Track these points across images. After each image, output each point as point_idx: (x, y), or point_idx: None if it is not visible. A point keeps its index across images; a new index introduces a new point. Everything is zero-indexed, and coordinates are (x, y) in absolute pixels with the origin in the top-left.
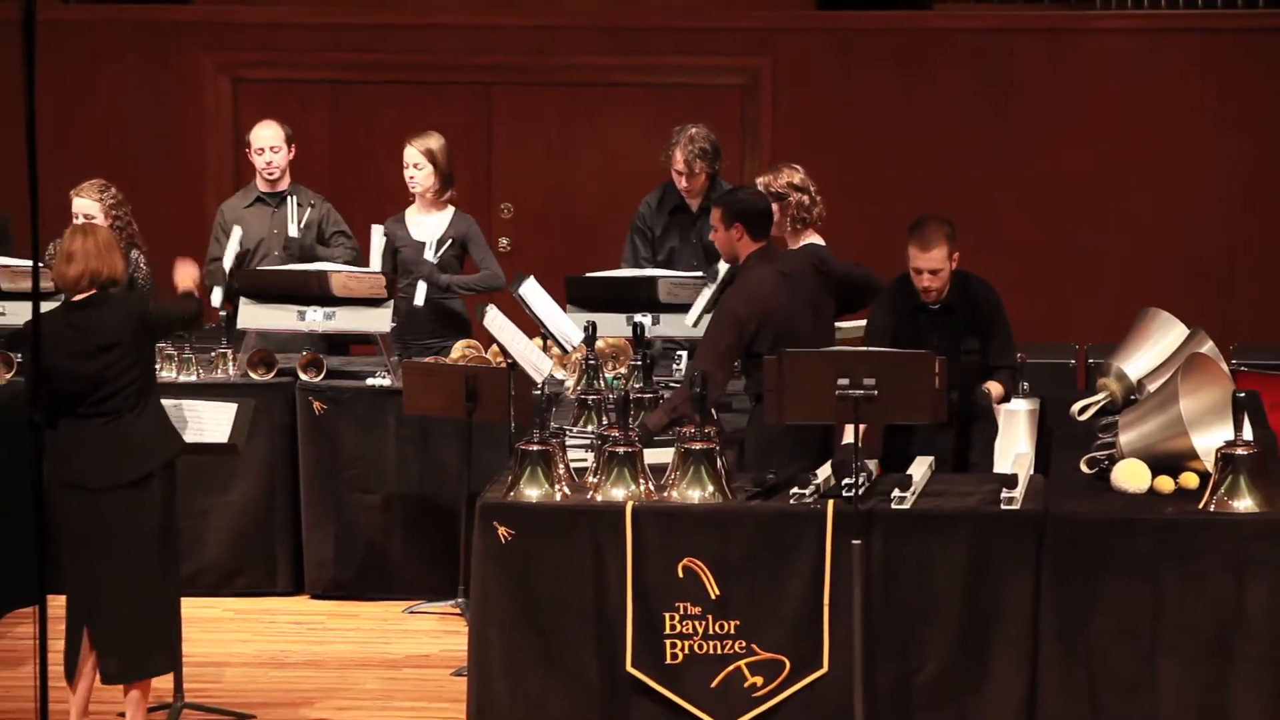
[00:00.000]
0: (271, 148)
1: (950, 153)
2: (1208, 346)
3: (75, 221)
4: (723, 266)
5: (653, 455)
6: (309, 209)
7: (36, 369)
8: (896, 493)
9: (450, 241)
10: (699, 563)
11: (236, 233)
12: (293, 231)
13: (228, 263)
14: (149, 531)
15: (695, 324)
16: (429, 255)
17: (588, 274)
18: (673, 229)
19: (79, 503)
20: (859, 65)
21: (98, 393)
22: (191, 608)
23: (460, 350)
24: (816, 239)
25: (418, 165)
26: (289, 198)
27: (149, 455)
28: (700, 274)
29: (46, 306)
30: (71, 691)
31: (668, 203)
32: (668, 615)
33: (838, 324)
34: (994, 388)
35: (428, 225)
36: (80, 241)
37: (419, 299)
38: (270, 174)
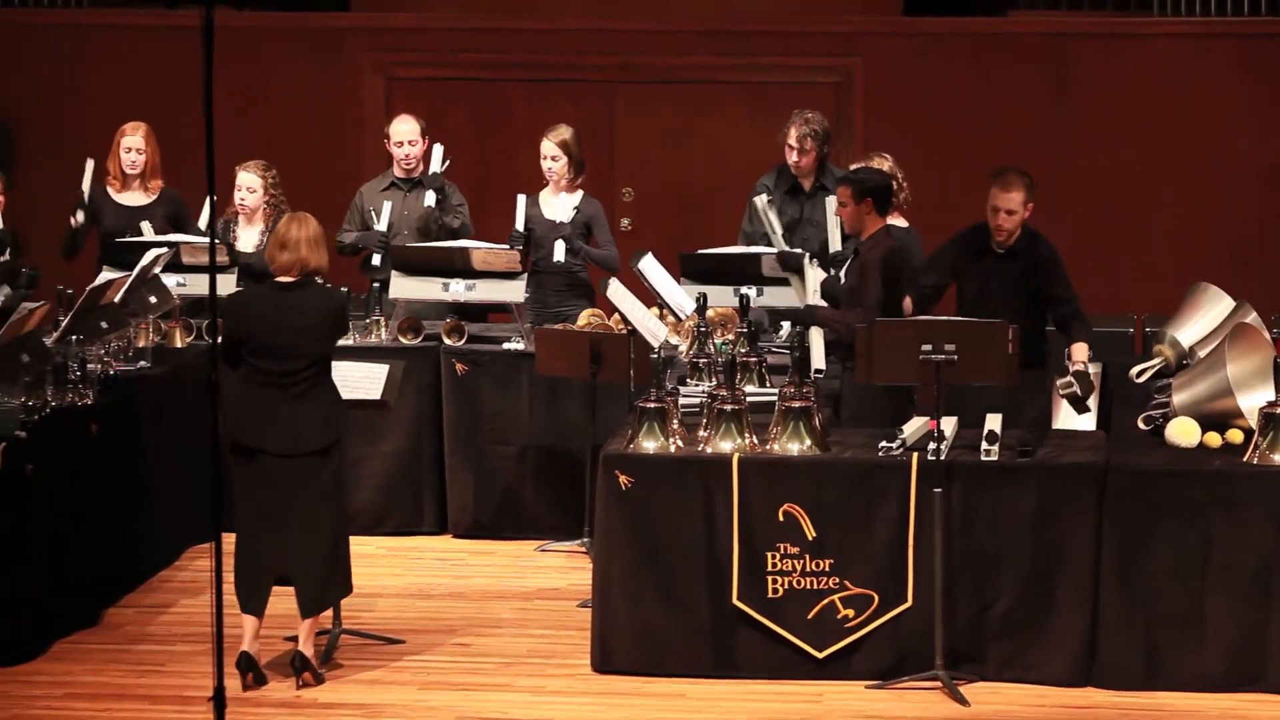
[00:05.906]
0: (410, 141)
1: (1019, 142)
2: (1252, 317)
3: (237, 192)
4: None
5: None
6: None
7: (215, 333)
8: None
9: (577, 216)
10: (798, 508)
11: (387, 206)
12: (381, 226)
13: (382, 225)
14: (328, 491)
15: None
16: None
17: (699, 250)
18: (788, 206)
19: (263, 467)
20: (940, 64)
21: (285, 365)
22: None
23: (586, 318)
24: (900, 221)
25: (554, 157)
26: (428, 191)
27: (327, 430)
28: (799, 250)
29: (223, 279)
30: (255, 620)
31: (783, 182)
32: (769, 554)
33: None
34: (1078, 351)
35: (559, 207)
36: (296, 230)
37: (558, 255)
38: (408, 165)
